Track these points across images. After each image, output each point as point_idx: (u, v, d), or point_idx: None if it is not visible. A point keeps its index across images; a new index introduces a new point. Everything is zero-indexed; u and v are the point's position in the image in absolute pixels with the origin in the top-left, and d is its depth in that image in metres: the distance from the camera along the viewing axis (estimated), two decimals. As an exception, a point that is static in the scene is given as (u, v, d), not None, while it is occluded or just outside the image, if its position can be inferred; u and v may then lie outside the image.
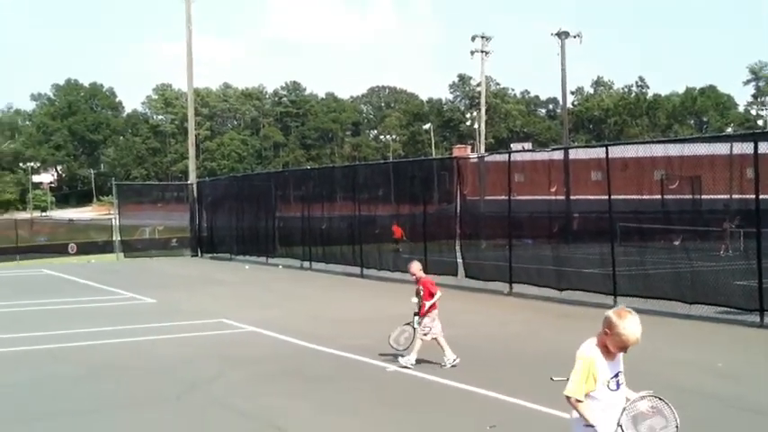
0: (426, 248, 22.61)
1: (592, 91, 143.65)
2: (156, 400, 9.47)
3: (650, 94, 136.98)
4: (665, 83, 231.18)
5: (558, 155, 22.27)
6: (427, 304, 11.05)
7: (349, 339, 13.23)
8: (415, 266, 11.53)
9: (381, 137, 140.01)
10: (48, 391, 9.98)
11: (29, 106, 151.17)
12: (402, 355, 11.07)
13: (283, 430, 8.09)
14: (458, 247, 21.97)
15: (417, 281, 11.35)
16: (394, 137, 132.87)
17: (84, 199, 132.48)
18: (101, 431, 8.17)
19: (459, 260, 21.60)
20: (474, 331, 14.56)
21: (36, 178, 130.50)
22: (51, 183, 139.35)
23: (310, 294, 21.13)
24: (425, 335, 11.02)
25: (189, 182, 39.71)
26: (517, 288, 19.25)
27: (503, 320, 15.91)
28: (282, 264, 29.08)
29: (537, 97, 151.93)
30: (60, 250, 41.40)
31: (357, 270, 25.01)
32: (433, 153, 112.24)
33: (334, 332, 14.20)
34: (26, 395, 9.77)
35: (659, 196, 19.54)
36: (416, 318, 11.12)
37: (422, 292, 11.18)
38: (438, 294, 11.18)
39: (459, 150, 68.95)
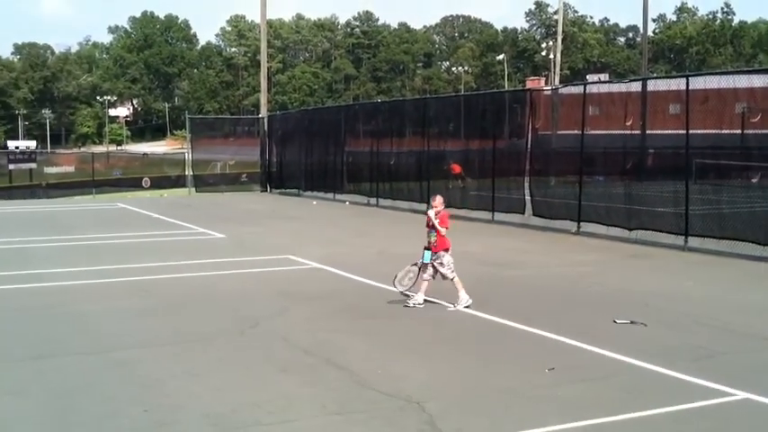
0: (494, 185, 22.34)
1: (674, 18, 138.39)
2: (221, 334, 9.68)
3: (736, 21, 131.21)
4: (752, 9, 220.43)
5: (636, 86, 21.55)
6: (441, 231, 10.91)
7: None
8: (440, 200, 11.35)
9: (453, 69, 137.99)
10: (119, 323, 10.30)
11: (106, 39, 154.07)
12: (408, 296, 11.07)
13: (343, 367, 8.17)
14: (526, 184, 21.62)
15: (437, 214, 11.11)
16: (466, 69, 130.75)
17: (158, 133, 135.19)
18: (167, 363, 8.38)
19: (528, 197, 21.28)
20: (539, 271, 14.41)
21: (112, 112, 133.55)
22: (127, 116, 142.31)
23: (376, 231, 21.19)
24: (452, 272, 10.93)
25: (260, 116, 39.86)
26: (585, 227, 18.91)
27: (569, 260, 15.67)
28: (350, 200, 29.18)
29: (616, 25, 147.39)
30: (134, 184, 42.37)
31: (424, 207, 24.84)
32: (506, 85, 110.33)
33: (397, 270, 14.18)
34: (99, 327, 10.09)
35: (739, 131, 18.76)
36: (427, 252, 10.94)
37: (437, 225, 10.96)
38: (444, 231, 11.00)
39: (532, 82, 67.68)
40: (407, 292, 11.15)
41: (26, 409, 7.02)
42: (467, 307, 10.79)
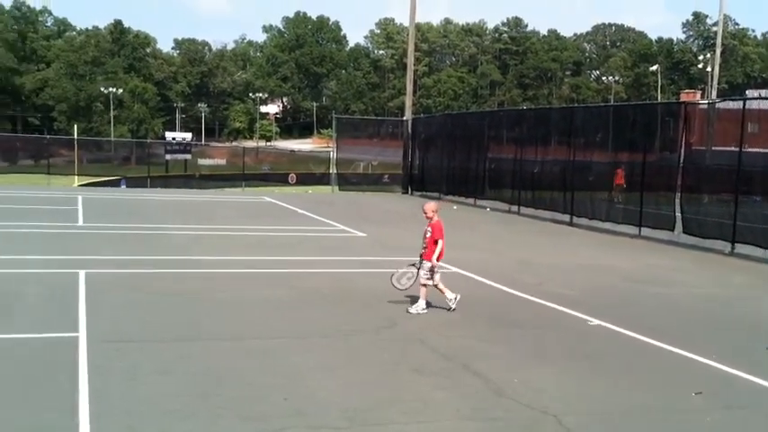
0: (642, 199, 21.61)
1: None
2: (358, 331, 9.80)
3: None
4: None
5: (802, 104, 20.30)
6: (436, 251, 10.73)
7: (552, 288, 13.00)
8: (433, 206, 11.23)
9: (603, 78, 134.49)
10: (262, 312, 10.61)
11: (260, 38, 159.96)
12: (408, 300, 10.99)
13: (479, 373, 8.09)
14: (677, 201, 20.77)
15: (429, 221, 10.98)
16: (617, 78, 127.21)
17: (305, 131, 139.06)
18: (306, 355, 8.56)
19: (678, 214, 20.45)
20: (688, 291, 13.80)
21: (263, 108, 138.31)
22: (277, 113, 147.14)
23: (516, 239, 20.92)
24: (429, 279, 10.79)
25: (404, 118, 40.21)
26: (740, 248, 17.97)
27: (721, 282, 14.93)
28: (490, 206, 28.96)
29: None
30: (281, 179, 43.75)
31: (566, 218, 24.42)
32: (659, 97, 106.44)
33: (536, 279, 13.99)
34: (242, 315, 10.43)
35: None
36: (420, 260, 10.88)
37: (428, 235, 10.88)
38: (441, 244, 10.80)
39: (687, 95, 64.81)
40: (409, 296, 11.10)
41: (172, 388, 7.34)
42: (418, 312, 10.69)
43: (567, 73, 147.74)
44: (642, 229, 21.27)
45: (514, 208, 27.57)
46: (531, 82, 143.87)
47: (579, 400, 7.44)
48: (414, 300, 11.03)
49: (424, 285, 10.86)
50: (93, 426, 6.22)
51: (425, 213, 11.13)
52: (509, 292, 12.71)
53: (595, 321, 10.60)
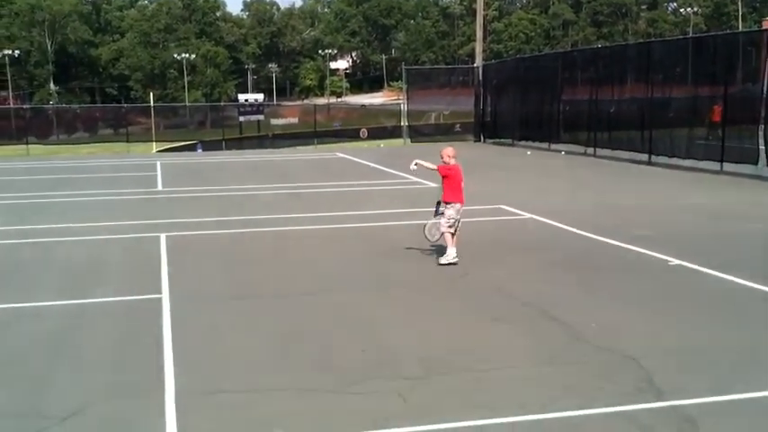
0: (724, 133, 20.88)
1: None
2: (436, 281, 9.84)
3: None
4: None
5: None
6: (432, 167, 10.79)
7: (631, 229, 12.71)
8: (450, 151, 10.94)
9: (681, 10, 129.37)
10: (336, 268, 10.74)
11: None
12: (436, 250, 10.79)
13: (557, 318, 8.02)
14: (760, 133, 19.97)
15: (447, 165, 10.75)
16: (695, 9, 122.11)
17: (375, 84, 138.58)
18: (383, 307, 8.67)
19: (762, 147, 19.69)
20: (773, 226, 13.32)
21: (333, 65, 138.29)
22: (346, 69, 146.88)
23: (593, 182, 20.54)
24: (450, 227, 10.51)
25: (475, 65, 39.62)
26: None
27: (810, 215, 14.35)
28: (565, 150, 28.44)
29: None
30: (353, 135, 43.78)
31: (645, 157, 23.80)
32: (740, 27, 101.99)
33: (615, 222, 13.72)
34: (318, 270, 10.56)
35: None
36: (440, 204, 10.70)
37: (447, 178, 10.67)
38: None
39: (770, 22, 61.87)
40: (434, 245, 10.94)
41: (256, 343, 7.53)
42: (449, 264, 10.38)
43: (643, 7, 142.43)
44: (724, 164, 20.59)
45: (590, 150, 27.02)
46: (605, 19, 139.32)
47: (659, 342, 7.30)
48: (440, 250, 10.85)
49: (447, 232, 10.61)
50: (179, 381, 6.43)
51: (442, 158, 10.91)
52: (586, 235, 12.50)
53: (676, 261, 10.35)
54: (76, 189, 20.30)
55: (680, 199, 16.82)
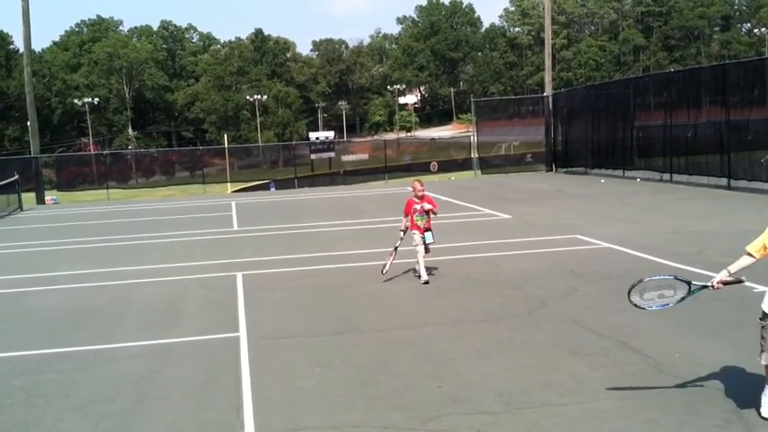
0: (808, 155, 20.23)
1: None
2: (509, 314, 9.72)
3: None
4: None
5: None
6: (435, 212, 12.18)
7: (710, 256, 12.39)
8: (419, 185, 12.02)
9: (756, 30, 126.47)
10: (410, 302, 10.72)
11: (395, 30, 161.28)
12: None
13: (638, 350, 7.84)
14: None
15: (422, 198, 11.93)
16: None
17: (444, 117, 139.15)
18: (458, 342, 8.58)
19: None
20: None
21: (402, 100, 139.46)
22: (415, 103, 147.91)
23: (671, 208, 20.07)
24: (418, 245, 11.89)
25: (544, 94, 39.45)
26: None
27: None
28: (640, 176, 27.93)
29: None
30: (423, 168, 43.86)
31: (723, 181, 23.19)
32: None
33: (695, 248, 13.37)
34: (391, 306, 10.57)
35: None
36: (428, 233, 11.98)
37: (426, 208, 11.94)
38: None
39: None
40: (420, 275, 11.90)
41: (332, 380, 7.55)
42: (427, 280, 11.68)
43: (716, 29, 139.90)
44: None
45: (666, 176, 26.49)
46: (677, 43, 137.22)
47: (746, 373, 7.04)
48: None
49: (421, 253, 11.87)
50: (257, 419, 6.49)
51: (415, 191, 11.95)
52: (665, 263, 12.20)
53: (760, 288, 9.97)
54: (155, 231, 20.83)
55: (762, 224, 16.26)
